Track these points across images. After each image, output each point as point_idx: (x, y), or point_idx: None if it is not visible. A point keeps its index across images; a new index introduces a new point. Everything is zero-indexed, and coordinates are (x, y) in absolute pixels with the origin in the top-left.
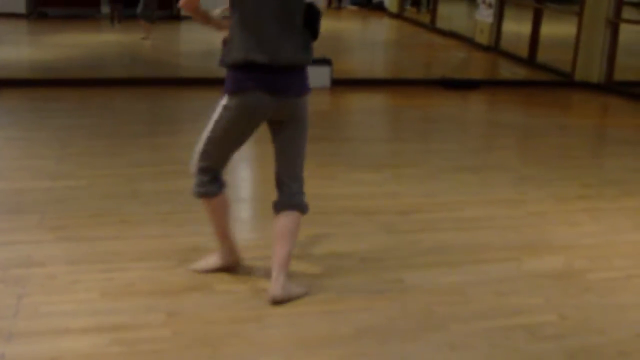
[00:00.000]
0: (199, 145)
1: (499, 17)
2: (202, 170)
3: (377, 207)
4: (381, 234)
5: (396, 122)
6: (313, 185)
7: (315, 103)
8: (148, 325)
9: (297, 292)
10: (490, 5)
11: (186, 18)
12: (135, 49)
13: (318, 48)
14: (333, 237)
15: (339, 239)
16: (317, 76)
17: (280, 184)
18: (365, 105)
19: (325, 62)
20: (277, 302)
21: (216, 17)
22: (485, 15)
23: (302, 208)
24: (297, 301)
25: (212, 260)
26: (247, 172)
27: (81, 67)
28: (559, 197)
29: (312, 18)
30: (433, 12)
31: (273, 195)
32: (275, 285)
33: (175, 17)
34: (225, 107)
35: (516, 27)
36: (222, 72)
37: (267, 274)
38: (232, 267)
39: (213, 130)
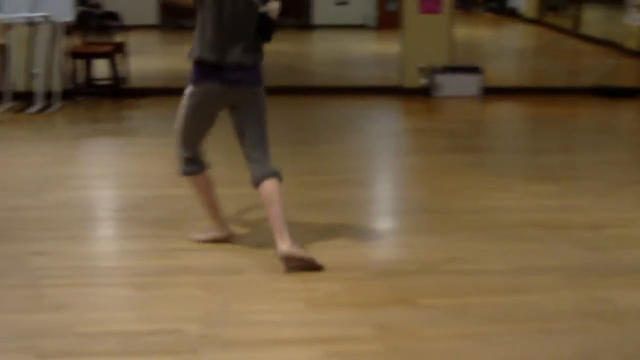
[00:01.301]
0: (176, 134)
1: None
2: (183, 154)
3: (563, 221)
4: (577, 249)
5: (554, 131)
6: (486, 197)
7: (466, 112)
8: (359, 338)
9: (302, 254)
10: None
11: (319, 26)
12: (275, 57)
13: (464, 56)
14: (526, 252)
15: (533, 254)
16: (465, 84)
17: (248, 162)
18: (517, 114)
19: (474, 70)
20: (288, 258)
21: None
22: (635, 19)
23: (279, 176)
24: (508, 318)
25: (211, 233)
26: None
27: None
28: None
29: (264, 26)
30: (576, 17)
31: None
32: (283, 244)
33: (307, 25)
34: (189, 95)
35: None
36: (361, 82)
37: (456, 291)
38: (227, 239)
39: (184, 116)
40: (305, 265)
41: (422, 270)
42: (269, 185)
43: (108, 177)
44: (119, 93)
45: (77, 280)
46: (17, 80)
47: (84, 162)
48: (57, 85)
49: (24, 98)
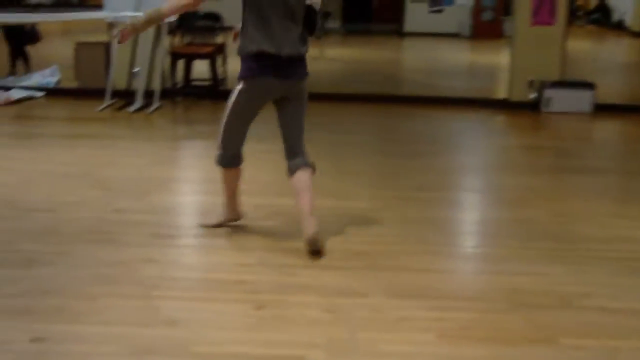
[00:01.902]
0: (223, 129)
1: None
2: (227, 149)
3: None
4: None
5: None
6: (615, 225)
7: (578, 129)
8: None
9: (322, 242)
10: None
11: (411, 34)
12: (366, 64)
13: (570, 70)
14: None
15: None
16: (576, 100)
17: (290, 153)
18: (632, 133)
19: (586, 85)
20: (313, 242)
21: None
22: None
23: (314, 167)
24: None
25: (216, 216)
26: None
27: (332, 81)
28: None
29: (310, 17)
30: None
31: None
32: (311, 227)
33: (399, 32)
34: (241, 91)
35: None
36: (456, 92)
37: (600, 331)
38: (235, 220)
39: (234, 113)
40: (319, 250)
41: (559, 304)
42: (305, 174)
43: (211, 182)
44: (218, 94)
45: (191, 293)
46: (118, 78)
47: (186, 164)
48: (157, 85)
49: (124, 96)
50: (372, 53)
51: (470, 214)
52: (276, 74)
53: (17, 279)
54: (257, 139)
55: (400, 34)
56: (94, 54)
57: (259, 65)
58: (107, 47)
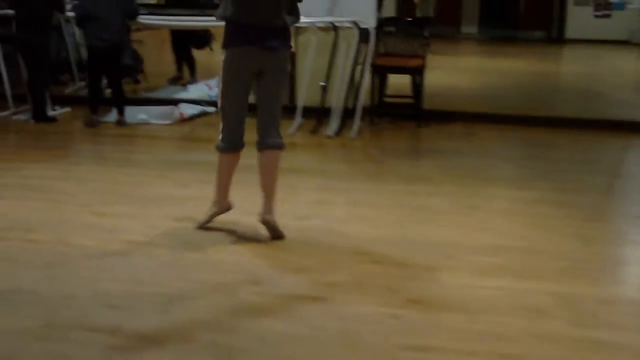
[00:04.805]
0: (220, 110)
1: None
2: (223, 133)
3: None
4: None
5: None
6: None
7: None
8: None
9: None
10: None
11: (572, 40)
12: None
13: None
14: None
15: None
16: None
17: (262, 127)
18: None
19: None
20: (269, 223)
21: None
22: None
23: (282, 146)
24: None
25: (210, 211)
26: None
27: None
28: None
29: None
30: None
31: None
32: (266, 211)
33: (558, 39)
34: (224, 61)
35: None
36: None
37: None
38: (224, 211)
39: (223, 84)
40: (276, 234)
41: None
42: (272, 156)
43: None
44: (421, 115)
45: None
46: (307, 93)
47: (442, 224)
48: (356, 102)
49: (315, 114)
50: (519, 63)
51: None
52: (252, 43)
53: None
54: (502, 177)
55: (560, 40)
56: None
57: (234, 33)
58: (292, 56)
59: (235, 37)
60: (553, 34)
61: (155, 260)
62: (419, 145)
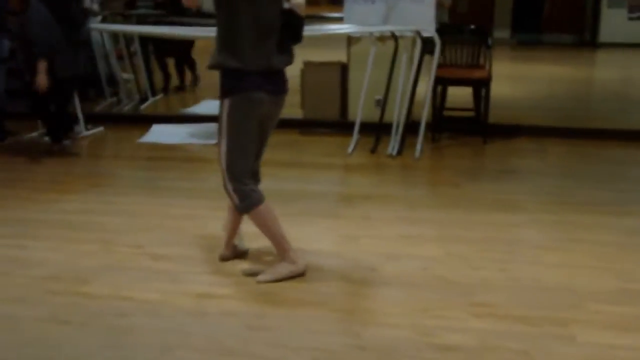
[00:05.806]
0: (229, 160)
1: None
2: (244, 183)
3: None
4: None
5: None
6: None
7: None
8: None
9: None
10: None
11: (606, 45)
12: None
13: None
14: None
15: None
16: None
17: (256, 174)
18: None
19: None
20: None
21: None
22: None
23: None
24: None
25: (283, 269)
26: None
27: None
28: None
29: (292, 25)
30: None
31: None
32: (227, 249)
33: (591, 43)
34: (234, 107)
35: None
36: None
37: None
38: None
39: (234, 135)
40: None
41: None
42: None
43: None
44: (485, 130)
45: None
46: (362, 108)
47: (550, 263)
48: (421, 118)
49: (373, 131)
50: (558, 69)
51: None
52: (267, 90)
53: None
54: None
55: (592, 44)
56: (326, 77)
57: (246, 79)
58: (343, 68)
59: (250, 82)
60: (585, 38)
61: (233, 318)
62: (489, 164)
